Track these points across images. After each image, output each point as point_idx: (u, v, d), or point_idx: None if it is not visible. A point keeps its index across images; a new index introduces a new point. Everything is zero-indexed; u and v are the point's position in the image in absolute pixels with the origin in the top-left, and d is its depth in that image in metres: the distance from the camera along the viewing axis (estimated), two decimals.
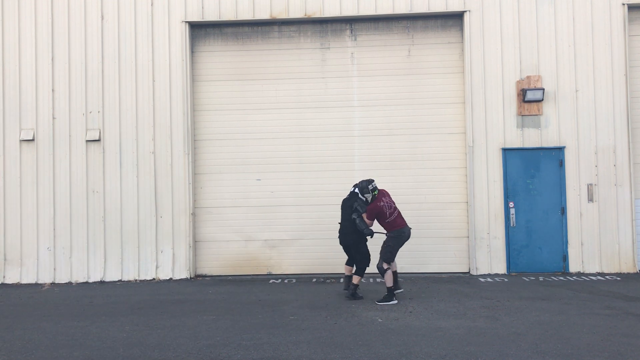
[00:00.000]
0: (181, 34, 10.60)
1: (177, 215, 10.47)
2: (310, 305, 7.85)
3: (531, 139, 10.33)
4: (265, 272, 10.64)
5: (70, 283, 10.45)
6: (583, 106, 10.30)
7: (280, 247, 10.68)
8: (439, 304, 7.83)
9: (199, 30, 10.89)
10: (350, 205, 8.30)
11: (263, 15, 10.59)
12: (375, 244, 8.59)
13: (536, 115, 10.32)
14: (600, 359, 5.31)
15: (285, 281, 10.07)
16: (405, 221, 8.19)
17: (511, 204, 10.31)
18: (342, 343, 5.94)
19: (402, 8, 10.48)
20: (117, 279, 10.48)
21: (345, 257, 8.87)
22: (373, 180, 8.22)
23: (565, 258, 10.24)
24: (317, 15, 10.55)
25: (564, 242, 10.25)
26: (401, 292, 8.43)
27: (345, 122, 10.71)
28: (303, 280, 10.15)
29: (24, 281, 10.55)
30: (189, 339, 6.20)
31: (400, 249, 10.49)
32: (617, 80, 10.27)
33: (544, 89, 10.16)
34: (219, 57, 10.90)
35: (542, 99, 10.19)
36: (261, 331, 6.50)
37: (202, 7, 10.62)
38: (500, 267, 10.27)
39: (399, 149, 10.62)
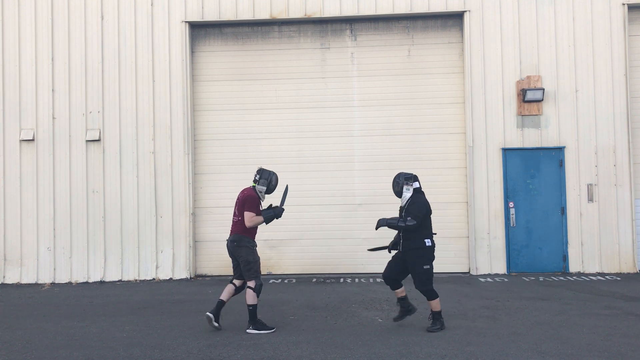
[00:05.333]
0: (181, 33, 10.60)
1: (177, 215, 10.47)
2: (310, 305, 7.85)
3: (531, 139, 10.33)
4: (265, 272, 10.62)
5: (70, 283, 10.45)
6: (583, 106, 10.29)
7: (280, 247, 10.67)
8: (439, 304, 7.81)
9: (199, 30, 10.89)
10: None
11: (263, 15, 10.58)
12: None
13: (536, 115, 10.32)
14: (600, 359, 5.31)
15: (285, 281, 10.07)
16: (232, 230, 6.64)
17: (511, 204, 10.31)
18: (342, 343, 5.93)
19: (402, 8, 10.48)
20: (117, 279, 10.47)
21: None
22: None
23: (565, 258, 10.24)
24: (317, 15, 10.55)
25: (564, 242, 10.24)
26: (215, 324, 6.57)
27: (345, 122, 10.70)
28: (303, 280, 10.14)
29: (24, 281, 10.55)
30: (189, 339, 6.20)
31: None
32: (617, 80, 10.26)
33: (544, 89, 10.16)
34: (219, 57, 10.90)
35: (542, 99, 10.19)
36: None
37: (202, 7, 10.61)
38: (500, 267, 10.26)
39: (399, 149, 10.61)
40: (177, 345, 5.96)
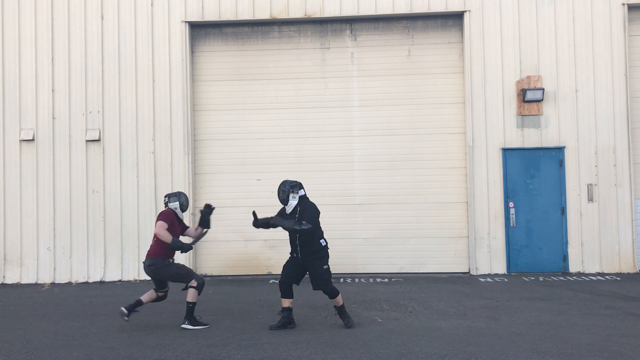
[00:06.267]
0: (181, 33, 10.60)
1: None
2: (310, 305, 7.85)
3: (531, 139, 10.33)
4: (265, 272, 10.64)
5: (70, 283, 10.45)
6: (583, 106, 10.29)
7: (280, 247, 10.64)
8: (439, 304, 7.83)
9: (199, 30, 10.89)
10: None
11: (263, 15, 10.58)
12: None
13: (536, 115, 10.32)
14: (600, 359, 5.31)
15: None
16: (148, 253, 6.82)
17: (511, 204, 10.31)
18: (342, 343, 5.93)
19: (402, 8, 10.48)
20: (117, 279, 10.47)
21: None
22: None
23: (565, 258, 10.24)
24: (317, 15, 10.55)
25: (564, 242, 10.25)
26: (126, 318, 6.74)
27: (345, 122, 10.71)
28: (303, 280, 10.11)
29: (24, 281, 10.55)
30: (189, 339, 6.20)
31: (401, 249, 10.57)
32: (617, 80, 10.26)
33: (544, 89, 10.16)
34: (219, 57, 10.90)
35: (542, 99, 10.19)
36: (261, 331, 6.50)
37: (202, 7, 10.61)
38: (500, 267, 10.26)
39: (399, 149, 10.62)
40: (177, 345, 5.96)
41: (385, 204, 10.59)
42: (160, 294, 6.94)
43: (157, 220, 6.73)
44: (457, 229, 10.50)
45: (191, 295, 6.68)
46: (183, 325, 6.67)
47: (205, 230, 7.11)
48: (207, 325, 6.74)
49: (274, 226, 6.43)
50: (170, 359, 5.51)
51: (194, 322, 6.70)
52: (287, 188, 6.52)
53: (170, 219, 6.75)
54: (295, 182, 6.58)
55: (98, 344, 6.08)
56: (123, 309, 6.73)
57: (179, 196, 6.97)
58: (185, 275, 6.75)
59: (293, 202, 6.49)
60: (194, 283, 6.69)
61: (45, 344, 6.17)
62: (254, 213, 6.64)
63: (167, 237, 6.58)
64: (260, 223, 6.58)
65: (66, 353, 5.78)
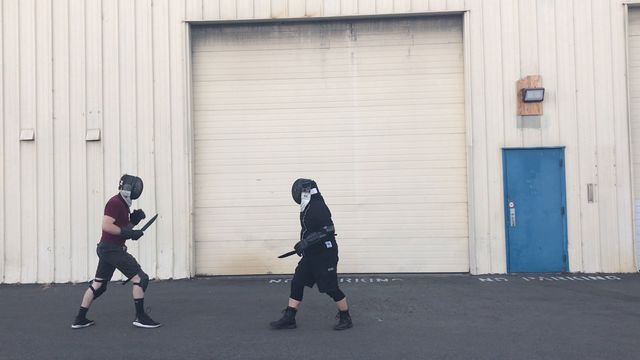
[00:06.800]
0: (181, 34, 10.60)
1: (177, 215, 10.47)
2: (310, 305, 7.85)
3: (531, 139, 10.33)
4: (265, 272, 10.64)
5: (70, 283, 10.45)
6: (583, 106, 10.29)
7: (280, 247, 10.65)
8: (439, 304, 7.83)
9: (199, 30, 10.89)
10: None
11: (263, 15, 10.59)
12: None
13: (536, 115, 10.32)
14: (600, 359, 5.31)
15: (286, 281, 10.07)
16: (101, 236, 6.91)
17: (511, 204, 10.31)
18: (342, 343, 5.94)
19: (402, 8, 10.48)
20: (117, 279, 10.43)
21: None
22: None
23: (565, 258, 10.24)
24: (317, 15, 10.55)
25: (564, 242, 10.25)
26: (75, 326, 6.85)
27: (345, 122, 10.71)
28: None
29: (24, 281, 10.55)
30: (189, 339, 6.20)
31: (401, 249, 10.57)
32: (617, 80, 10.26)
33: (544, 89, 10.16)
34: (219, 57, 10.90)
35: (542, 99, 10.19)
36: (261, 331, 6.50)
37: (202, 7, 10.62)
38: (500, 267, 10.26)
39: (399, 149, 10.62)
40: (177, 345, 5.96)
41: (385, 204, 10.60)
42: (95, 285, 6.89)
43: (105, 211, 6.72)
44: (457, 229, 10.50)
45: (136, 292, 6.75)
46: (134, 323, 6.76)
47: (155, 214, 7.40)
48: (157, 325, 6.75)
49: (304, 249, 6.34)
50: (170, 359, 5.51)
51: (144, 320, 6.75)
52: (299, 187, 6.53)
53: (117, 209, 6.73)
54: (308, 180, 6.59)
55: (98, 344, 6.08)
56: (73, 326, 6.79)
57: (134, 184, 6.89)
58: (131, 268, 6.79)
59: (305, 200, 6.51)
60: (137, 279, 6.75)
61: (45, 344, 6.17)
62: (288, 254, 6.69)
63: (116, 231, 6.66)
64: (295, 253, 6.56)
65: (66, 353, 5.79)
